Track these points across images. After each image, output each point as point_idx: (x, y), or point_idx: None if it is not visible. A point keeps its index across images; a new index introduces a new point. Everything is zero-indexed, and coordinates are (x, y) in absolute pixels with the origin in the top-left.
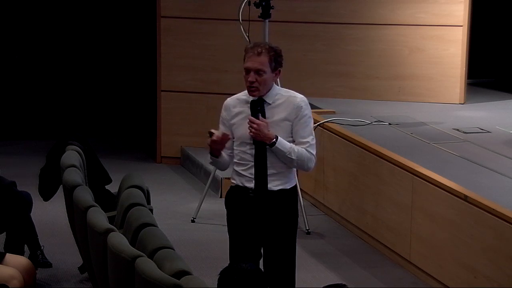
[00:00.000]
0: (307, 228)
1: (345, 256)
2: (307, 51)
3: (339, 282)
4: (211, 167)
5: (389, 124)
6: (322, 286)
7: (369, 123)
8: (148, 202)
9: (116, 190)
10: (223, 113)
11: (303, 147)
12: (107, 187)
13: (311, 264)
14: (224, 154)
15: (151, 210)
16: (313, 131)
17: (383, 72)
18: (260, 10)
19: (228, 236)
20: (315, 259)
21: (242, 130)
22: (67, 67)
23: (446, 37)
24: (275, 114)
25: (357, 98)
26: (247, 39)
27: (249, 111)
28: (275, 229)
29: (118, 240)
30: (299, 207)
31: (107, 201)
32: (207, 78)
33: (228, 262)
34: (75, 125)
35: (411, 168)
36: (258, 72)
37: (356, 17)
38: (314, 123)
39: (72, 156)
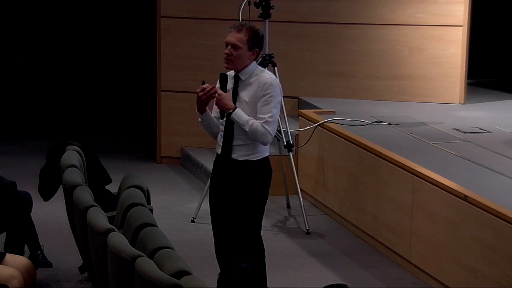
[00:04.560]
0: (307, 228)
1: (345, 256)
2: (307, 51)
3: (339, 282)
4: (211, 167)
5: (389, 124)
6: (322, 286)
7: (369, 123)
8: (148, 202)
9: (116, 190)
10: (217, 85)
11: (260, 122)
12: (107, 187)
13: (311, 264)
14: (213, 118)
15: (151, 210)
16: (274, 110)
17: (383, 72)
18: (260, 10)
19: None
20: (315, 259)
21: None
22: (67, 67)
23: (446, 37)
24: (244, 92)
25: (357, 98)
26: None
27: (230, 86)
28: (237, 195)
29: (118, 240)
30: (299, 207)
31: (107, 201)
32: (207, 78)
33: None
34: (75, 125)
35: (411, 168)
36: (234, 46)
37: (356, 17)
38: (314, 122)
39: (72, 156)
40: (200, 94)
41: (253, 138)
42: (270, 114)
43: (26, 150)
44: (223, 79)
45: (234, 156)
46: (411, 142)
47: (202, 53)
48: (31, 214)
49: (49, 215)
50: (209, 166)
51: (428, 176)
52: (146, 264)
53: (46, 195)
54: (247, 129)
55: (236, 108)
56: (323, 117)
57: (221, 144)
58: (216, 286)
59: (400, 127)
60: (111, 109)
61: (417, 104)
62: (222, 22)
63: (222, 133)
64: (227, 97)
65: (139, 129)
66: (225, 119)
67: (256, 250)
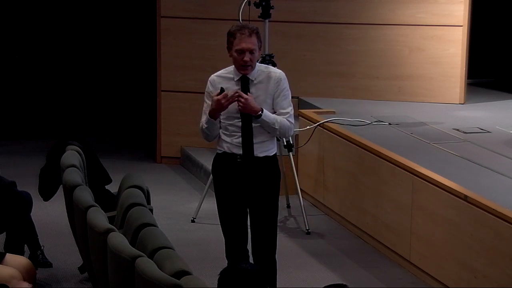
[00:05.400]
0: (307, 228)
1: (345, 256)
2: (307, 51)
3: (339, 282)
4: (210, 167)
5: (389, 124)
6: (322, 286)
7: (369, 123)
8: (148, 202)
9: (116, 190)
10: (210, 88)
11: (284, 117)
12: (107, 187)
13: (311, 264)
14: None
15: (151, 210)
16: (291, 102)
17: (383, 72)
18: (260, 10)
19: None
20: (315, 259)
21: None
22: (67, 67)
23: (446, 37)
24: (260, 91)
25: (357, 98)
26: None
27: (234, 87)
28: (261, 191)
29: (118, 240)
30: (299, 207)
31: (107, 201)
32: (207, 78)
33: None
34: (75, 125)
35: (411, 168)
36: (253, 51)
37: (356, 17)
38: (314, 122)
39: (72, 156)
40: (223, 101)
41: (282, 133)
42: (291, 107)
43: (26, 150)
44: (245, 81)
45: (255, 153)
46: (411, 142)
47: (202, 53)
48: (31, 214)
49: (49, 215)
50: (209, 166)
51: (428, 176)
52: (146, 264)
53: (46, 195)
54: (277, 127)
55: (262, 109)
56: (323, 117)
57: (238, 144)
58: (216, 286)
59: (400, 127)
60: (111, 109)
61: (417, 104)
62: (222, 22)
63: (239, 134)
64: (252, 100)
65: (139, 129)
66: (239, 121)
67: (275, 245)
